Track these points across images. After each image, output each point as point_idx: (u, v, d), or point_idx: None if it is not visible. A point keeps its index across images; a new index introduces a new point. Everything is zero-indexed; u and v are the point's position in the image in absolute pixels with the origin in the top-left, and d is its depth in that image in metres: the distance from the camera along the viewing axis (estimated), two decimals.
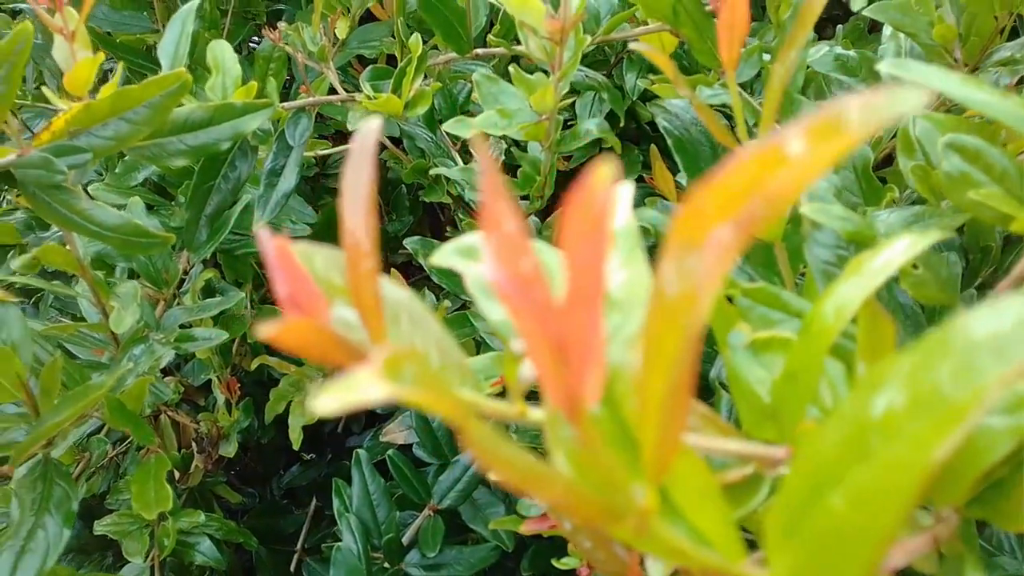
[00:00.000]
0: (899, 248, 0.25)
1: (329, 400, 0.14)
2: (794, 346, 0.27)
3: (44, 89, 0.59)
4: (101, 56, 0.55)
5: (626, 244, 0.23)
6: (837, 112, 0.14)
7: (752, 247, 0.57)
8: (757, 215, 0.15)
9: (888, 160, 0.77)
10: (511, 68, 0.63)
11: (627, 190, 0.24)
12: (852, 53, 0.85)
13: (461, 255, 0.28)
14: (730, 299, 0.40)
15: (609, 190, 0.14)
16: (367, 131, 0.22)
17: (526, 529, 0.37)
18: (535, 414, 0.23)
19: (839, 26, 0.98)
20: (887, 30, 0.75)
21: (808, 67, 0.82)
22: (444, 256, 0.27)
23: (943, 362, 0.16)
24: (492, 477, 0.16)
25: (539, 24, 0.55)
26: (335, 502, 0.80)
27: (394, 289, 0.26)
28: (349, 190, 0.22)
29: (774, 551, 0.19)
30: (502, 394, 0.33)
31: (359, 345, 0.21)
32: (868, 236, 0.41)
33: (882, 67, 0.35)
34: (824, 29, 1.05)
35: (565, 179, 1.09)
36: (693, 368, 0.17)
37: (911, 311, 0.44)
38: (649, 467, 0.18)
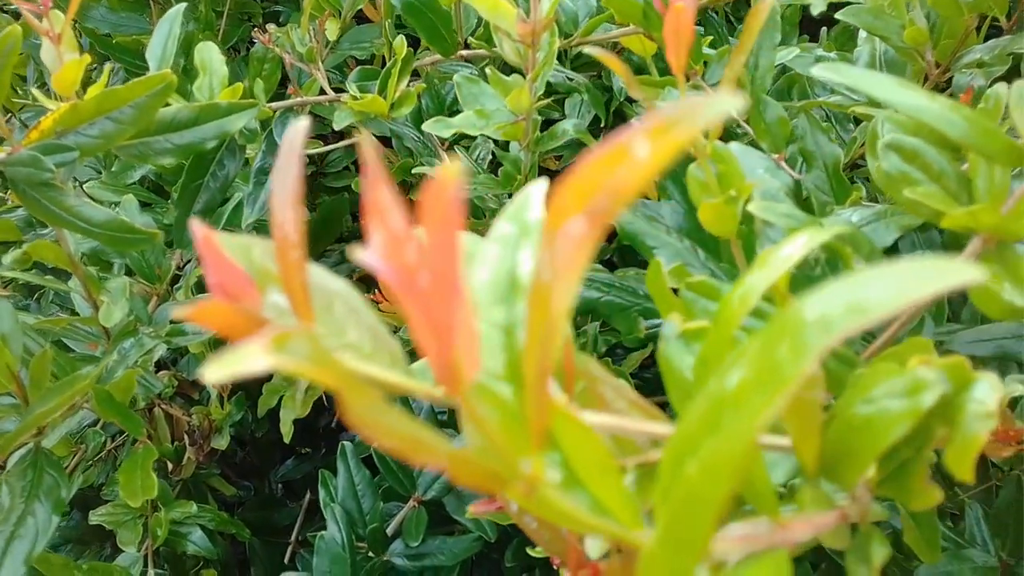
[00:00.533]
0: (798, 243, 0.26)
1: (216, 369, 0.16)
2: (708, 332, 0.28)
3: (33, 90, 0.60)
4: (87, 58, 0.57)
5: (538, 236, 0.25)
6: (668, 115, 0.16)
7: (715, 243, 0.59)
8: (605, 207, 0.17)
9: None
10: (488, 70, 0.65)
11: (542, 186, 0.26)
12: (832, 55, 0.87)
13: None
14: (676, 291, 0.42)
15: (457, 185, 0.16)
16: (294, 131, 0.24)
17: (474, 510, 0.39)
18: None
19: (823, 29, 0.99)
20: (862, 33, 0.77)
21: (791, 69, 0.84)
22: (356, 249, 0.29)
23: (782, 341, 0.17)
24: (379, 444, 0.18)
25: (511, 28, 0.57)
26: (321, 493, 0.82)
27: (330, 279, 0.28)
28: (277, 186, 0.24)
29: (656, 517, 0.21)
30: None
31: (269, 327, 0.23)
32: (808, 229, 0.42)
33: (814, 71, 0.36)
34: (817, 31, 1.06)
35: (554, 177, 1.11)
36: (561, 349, 0.18)
37: None
38: (532, 436, 0.20)
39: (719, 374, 0.19)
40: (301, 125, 0.25)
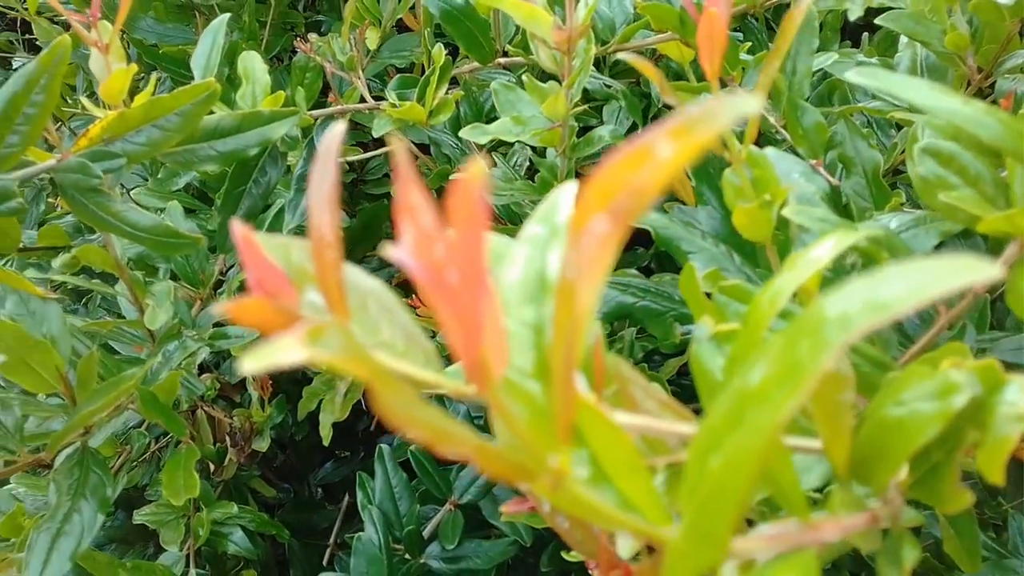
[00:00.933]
0: (827, 246, 0.26)
1: (253, 360, 0.17)
2: (738, 333, 0.29)
3: (82, 98, 0.62)
4: (134, 67, 0.59)
5: (566, 236, 0.25)
6: (690, 116, 0.16)
7: (751, 248, 0.59)
8: (628, 207, 0.17)
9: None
10: (524, 77, 0.66)
11: (572, 189, 0.26)
12: (874, 60, 0.86)
13: None
14: (708, 295, 0.42)
15: (482, 185, 0.16)
16: (330, 136, 0.25)
17: (507, 509, 0.39)
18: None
19: (864, 34, 0.98)
20: (903, 39, 0.76)
21: (832, 75, 0.83)
22: (388, 247, 0.30)
23: (803, 338, 0.18)
24: (410, 435, 0.18)
25: (547, 35, 0.58)
26: (359, 495, 0.83)
27: (365, 278, 0.28)
28: (314, 188, 0.25)
29: (683, 511, 0.21)
30: None
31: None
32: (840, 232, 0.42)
33: (849, 75, 0.37)
34: (859, 37, 1.05)
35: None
36: (591, 348, 0.19)
37: None
38: (559, 432, 0.20)
39: (743, 372, 0.19)
40: (337, 130, 0.25)
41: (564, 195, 0.27)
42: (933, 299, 0.16)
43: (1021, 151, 0.35)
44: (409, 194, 0.18)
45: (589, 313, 0.18)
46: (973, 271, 0.15)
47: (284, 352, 0.17)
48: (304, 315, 0.25)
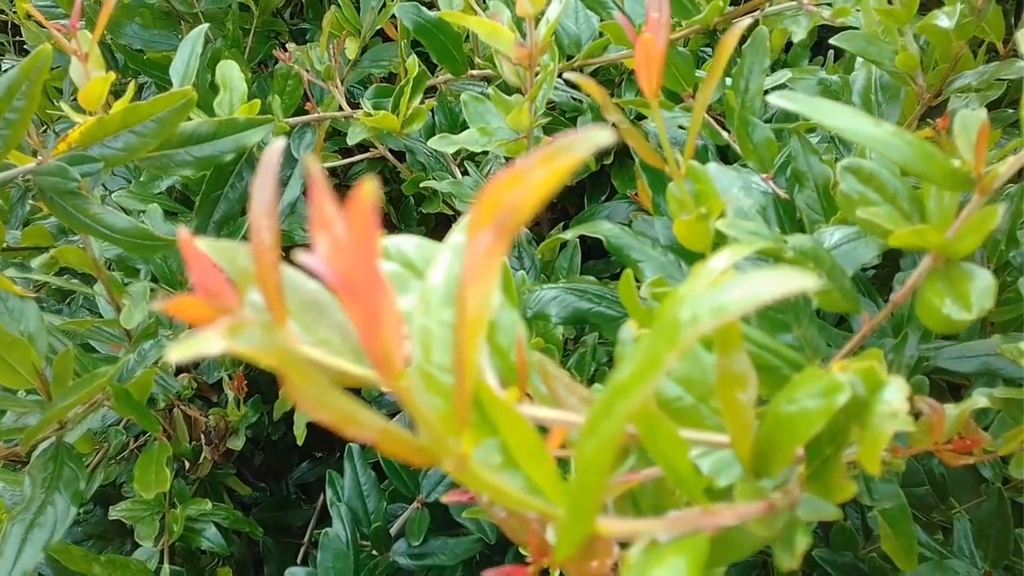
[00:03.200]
0: (723, 258, 0.29)
1: (177, 351, 0.19)
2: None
3: (63, 104, 0.65)
4: (112, 75, 0.61)
5: None
6: (555, 146, 0.19)
7: (700, 258, 0.61)
8: (507, 222, 0.20)
9: None
10: (490, 90, 0.68)
11: None
12: (835, 78, 0.89)
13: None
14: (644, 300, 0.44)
15: (373, 197, 0.19)
16: (272, 150, 0.27)
17: (446, 499, 0.42)
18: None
19: (830, 52, 1.01)
20: (859, 58, 0.79)
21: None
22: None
23: (661, 338, 0.20)
24: (320, 420, 0.21)
25: (509, 51, 0.60)
26: (328, 492, 0.85)
27: (307, 281, 0.31)
28: (256, 196, 0.27)
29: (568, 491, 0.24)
30: None
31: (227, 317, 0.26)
32: (776, 250, 0.45)
33: (771, 98, 0.39)
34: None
35: (569, 192, 1.14)
36: (511, 343, 0.21)
37: (821, 316, 0.48)
38: (459, 419, 0.23)
39: (618, 369, 0.22)
40: (277, 146, 0.28)
41: None
42: (764, 303, 0.18)
43: (928, 172, 0.37)
44: (322, 207, 0.21)
45: (482, 315, 0.21)
46: (791, 281, 0.18)
47: (206, 343, 0.20)
48: (245, 313, 0.27)
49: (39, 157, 0.65)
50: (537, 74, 0.63)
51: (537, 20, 0.60)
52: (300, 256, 0.20)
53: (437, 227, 1.24)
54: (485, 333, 0.22)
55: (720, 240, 0.51)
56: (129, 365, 0.74)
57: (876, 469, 0.29)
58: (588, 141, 0.18)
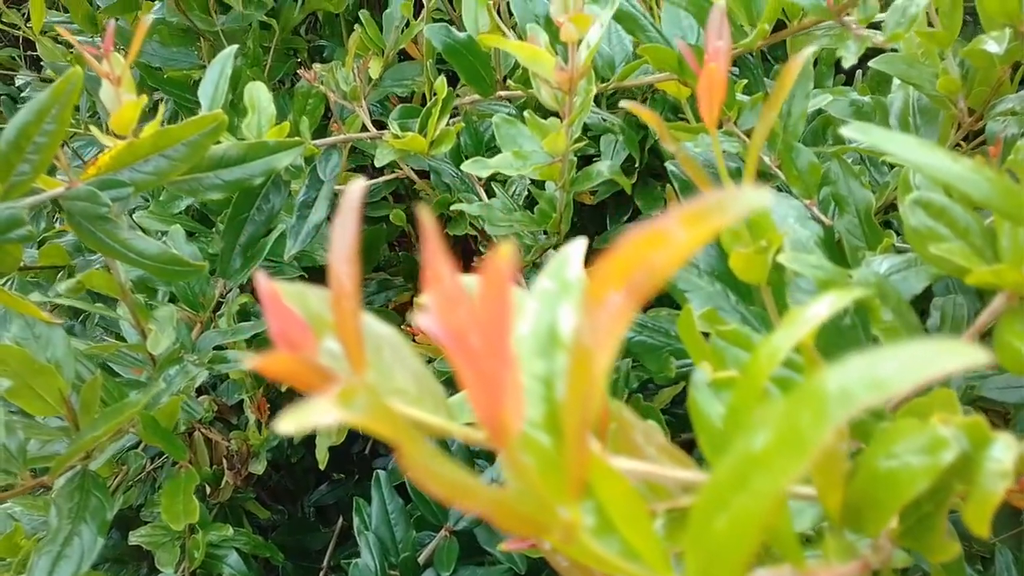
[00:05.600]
0: (825, 304, 0.28)
1: (289, 423, 0.18)
2: (737, 384, 0.30)
3: (92, 128, 0.63)
4: (144, 98, 0.60)
5: (577, 293, 0.27)
6: (705, 204, 0.17)
7: (746, 287, 0.60)
8: (643, 284, 0.18)
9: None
10: (526, 114, 0.67)
11: (580, 245, 0.28)
12: (867, 99, 0.88)
13: None
14: (705, 334, 0.43)
15: (511, 262, 0.17)
16: (352, 193, 0.26)
17: (506, 547, 0.40)
18: None
19: (857, 72, 1.00)
20: (896, 80, 0.78)
21: (823, 112, 0.85)
22: (417, 310, 0.31)
23: (804, 409, 0.19)
24: (430, 491, 0.20)
25: (549, 75, 0.59)
26: (355, 520, 0.84)
27: (379, 325, 0.29)
28: (337, 241, 0.26)
29: (686, 565, 0.22)
30: None
31: (342, 373, 0.25)
32: (839, 284, 0.44)
33: (844, 131, 0.38)
34: (853, 72, 1.07)
35: (592, 212, 1.13)
36: (600, 405, 0.20)
37: None
38: (571, 485, 0.22)
39: (747, 433, 0.21)
40: (359, 185, 0.27)
41: (573, 251, 0.28)
42: (928, 379, 0.17)
43: (1007, 208, 0.36)
44: (436, 261, 0.19)
45: (603, 377, 0.20)
46: (964, 356, 0.17)
47: (318, 414, 0.18)
48: (324, 365, 0.26)
49: (66, 180, 0.63)
50: (576, 98, 0.62)
51: (578, 44, 0.58)
52: (416, 316, 0.19)
53: (455, 248, 1.22)
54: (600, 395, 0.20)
55: (776, 272, 0.50)
56: (156, 392, 0.72)
57: (985, 531, 0.27)
58: (743, 203, 0.17)
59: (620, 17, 0.70)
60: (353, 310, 0.26)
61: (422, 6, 0.92)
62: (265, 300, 0.25)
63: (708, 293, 0.55)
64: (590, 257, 0.30)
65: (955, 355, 0.17)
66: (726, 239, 0.48)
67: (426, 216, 0.20)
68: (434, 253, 0.19)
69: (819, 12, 0.63)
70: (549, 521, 0.21)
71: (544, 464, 0.23)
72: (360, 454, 1.19)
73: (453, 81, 0.93)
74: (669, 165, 0.67)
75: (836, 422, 0.18)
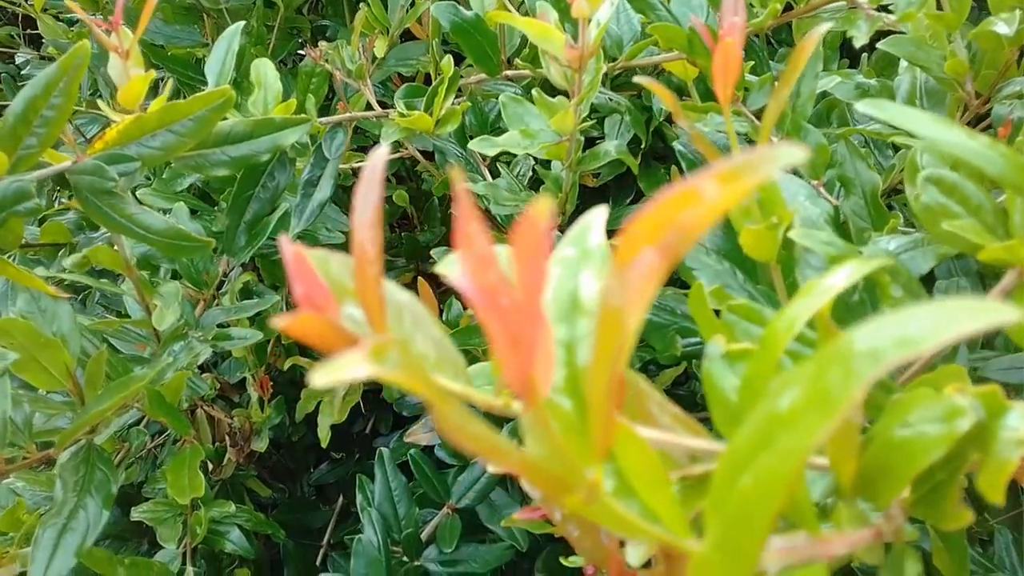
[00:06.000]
0: (842, 275, 0.28)
1: (321, 375, 0.18)
2: (753, 355, 0.30)
3: (99, 102, 0.63)
4: (152, 74, 0.60)
5: (598, 259, 0.27)
6: (739, 162, 0.18)
7: (752, 265, 0.60)
8: (675, 242, 0.18)
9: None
10: (534, 92, 0.67)
11: (602, 213, 0.28)
12: (873, 82, 0.88)
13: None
14: (718, 312, 0.43)
15: (547, 220, 0.17)
16: (376, 158, 0.26)
17: (518, 517, 0.40)
18: (517, 405, 0.27)
19: (864, 54, 1.00)
20: (903, 62, 0.78)
21: (828, 95, 0.85)
22: (446, 266, 0.31)
23: (833, 368, 0.19)
24: (461, 448, 0.20)
25: (559, 53, 0.59)
26: (358, 497, 0.84)
27: (399, 292, 0.30)
28: (359, 208, 0.26)
29: (707, 526, 0.23)
30: None
31: (363, 338, 0.25)
32: (851, 260, 0.44)
33: (859, 106, 0.38)
34: (858, 55, 1.07)
35: (593, 195, 1.13)
36: (625, 367, 0.20)
37: None
38: (596, 448, 0.22)
39: (771, 395, 0.21)
40: (382, 152, 0.27)
41: (595, 219, 0.28)
42: (958, 337, 0.17)
43: (1022, 185, 0.36)
44: (468, 223, 0.19)
45: (632, 338, 0.20)
46: (994, 313, 0.17)
47: (350, 369, 0.18)
48: (347, 328, 0.26)
49: (73, 155, 0.63)
50: (585, 76, 0.62)
51: (588, 21, 0.58)
52: (445, 271, 0.19)
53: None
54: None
55: (786, 249, 0.50)
56: (161, 368, 0.72)
57: (1000, 498, 0.27)
58: (779, 159, 0.17)
59: None
60: (376, 276, 0.26)
61: None
62: (290, 264, 0.25)
63: (716, 271, 0.55)
64: None
65: (983, 313, 0.17)
66: (736, 216, 0.48)
67: (458, 177, 0.20)
68: (466, 214, 0.19)
69: None
70: (575, 481, 0.22)
71: (566, 427, 0.24)
72: (360, 433, 1.20)
73: (457, 61, 0.92)
74: (677, 145, 0.67)
75: (866, 380, 0.18)
